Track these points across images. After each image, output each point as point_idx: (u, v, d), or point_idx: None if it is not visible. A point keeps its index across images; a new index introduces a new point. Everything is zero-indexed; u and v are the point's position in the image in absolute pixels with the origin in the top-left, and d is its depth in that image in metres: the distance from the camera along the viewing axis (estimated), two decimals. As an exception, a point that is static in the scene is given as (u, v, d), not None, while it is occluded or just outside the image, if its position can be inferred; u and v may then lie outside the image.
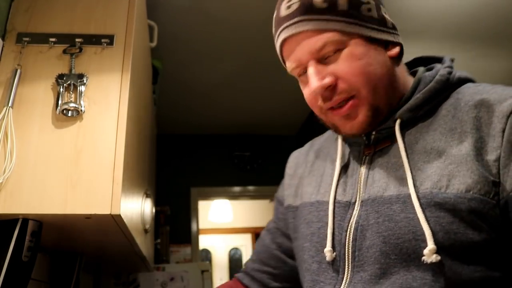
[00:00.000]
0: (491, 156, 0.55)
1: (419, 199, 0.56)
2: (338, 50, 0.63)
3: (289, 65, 0.69)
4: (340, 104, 0.64)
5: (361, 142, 0.69)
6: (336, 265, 0.64)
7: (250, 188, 3.51)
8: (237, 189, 3.49)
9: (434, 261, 0.53)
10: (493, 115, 0.57)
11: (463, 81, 0.66)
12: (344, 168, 0.71)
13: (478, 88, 0.63)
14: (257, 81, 2.81)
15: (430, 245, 0.54)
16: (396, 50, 0.67)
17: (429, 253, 0.54)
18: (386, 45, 0.66)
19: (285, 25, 0.66)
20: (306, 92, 0.68)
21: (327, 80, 0.63)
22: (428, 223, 0.55)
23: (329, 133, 0.83)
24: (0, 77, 1.00)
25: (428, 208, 0.56)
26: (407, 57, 0.73)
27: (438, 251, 0.54)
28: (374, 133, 0.67)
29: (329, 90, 0.64)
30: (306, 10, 0.63)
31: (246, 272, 0.89)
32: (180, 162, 3.42)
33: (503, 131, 0.55)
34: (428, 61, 0.73)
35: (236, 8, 2.06)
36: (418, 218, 0.55)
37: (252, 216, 5.40)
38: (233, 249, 5.38)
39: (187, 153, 3.48)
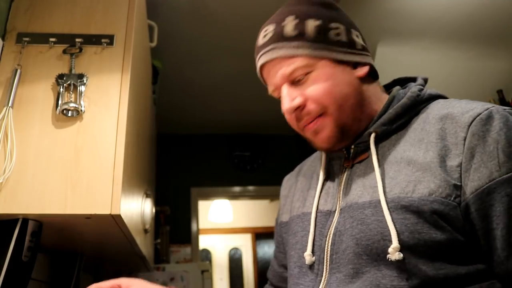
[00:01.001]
0: (453, 162, 0.60)
1: (387, 203, 0.61)
2: (308, 73, 0.69)
3: (269, 89, 0.76)
4: (310, 122, 0.71)
5: (341, 156, 0.75)
6: (315, 268, 0.69)
7: (250, 188, 3.51)
8: (237, 189, 3.49)
9: (397, 258, 0.58)
10: (456, 126, 0.62)
11: (434, 97, 0.72)
12: (327, 181, 0.77)
13: (446, 103, 0.68)
14: (258, 81, 2.80)
15: (394, 243, 0.58)
16: (364, 70, 0.72)
17: (393, 251, 0.58)
18: (355, 66, 0.72)
19: (261, 52, 0.74)
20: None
21: (296, 102, 0.70)
22: (394, 224, 0.59)
23: (316, 154, 0.90)
24: (0, 77, 1.00)
25: (395, 211, 0.60)
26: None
27: (402, 250, 0.58)
28: (352, 147, 0.73)
29: (299, 110, 0.71)
30: (278, 39, 0.71)
31: None
32: (180, 162, 3.42)
33: (465, 139, 0.60)
34: (405, 82, 0.79)
35: (236, 8, 2.06)
36: (386, 220, 0.60)
37: (252, 216, 5.40)
38: (233, 249, 5.38)
39: (187, 153, 3.48)
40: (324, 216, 0.72)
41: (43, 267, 1.22)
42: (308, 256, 0.70)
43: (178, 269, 2.37)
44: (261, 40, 0.74)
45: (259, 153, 3.57)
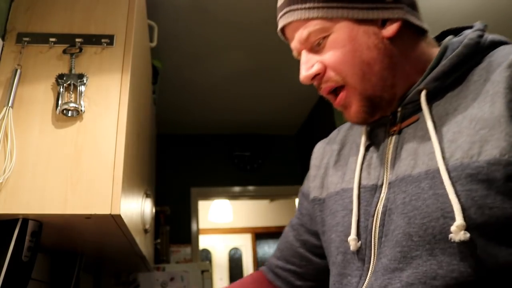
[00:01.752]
0: None
1: (449, 172, 0.50)
2: (326, 37, 0.62)
3: (293, 53, 0.68)
4: (334, 93, 0.64)
5: (386, 121, 0.65)
6: (361, 254, 0.60)
7: (250, 188, 3.51)
8: (237, 189, 3.49)
9: (462, 239, 0.47)
10: None
11: (497, 44, 0.60)
12: (370, 151, 0.67)
13: None
14: (257, 81, 2.81)
15: (459, 220, 0.47)
16: (393, 28, 0.61)
17: (457, 230, 0.47)
18: (383, 23, 0.62)
19: (279, 16, 0.67)
20: None
21: (313, 69, 0.63)
22: (458, 198, 0.49)
23: None
24: (0, 77, 1.00)
25: (459, 181, 0.50)
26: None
27: (469, 229, 0.47)
28: (399, 109, 0.63)
29: (317, 79, 0.63)
30: (291, 1, 0.64)
31: (270, 268, 0.86)
32: (180, 162, 3.42)
33: None
34: (458, 32, 0.66)
35: (236, 8, 2.06)
36: (447, 194, 0.50)
37: (252, 216, 5.40)
38: (233, 249, 5.38)
39: (187, 153, 3.48)
40: (369, 192, 0.61)
41: (43, 267, 1.22)
42: (353, 241, 0.60)
43: (178, 269, 2.37)
44: (279, 1, 0.67)
45: (259, 153, 3.57)
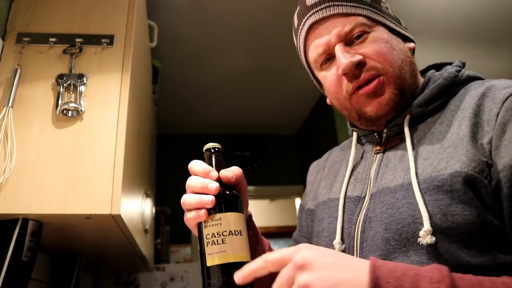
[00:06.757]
0: (484, 139, 0.56)
1: (419, 184, 0.58)
2: (365, 33, 0.67)
3: (315, 52, 0.70)
4: (368, 82, 0.66)
5: (373, 140, 0.72)
6: None
7: (250, 188, 3.50)
8: (237, 189, 3.49)
9: (429, 242, 0.54)
10: (492, 102, 0.58)
11: (472, 79, 0.68)
12: (357, 167, 0.73)
13: (485, 82, 0.65)
14: (257, 81, 2.81)
15: (426, 226, 0.54)
16: (412, 45, 0.72)
17: (425, 234, 0.54)
18: (404, 38, 0.71)
19: (313, 10, 0.69)
20: (332, 75, 0.69)
21: (357, 57, 0.65)
22: (426, 206, 0.56)
23: (346, 141, 0.87)
24: (0, 77, 1.00)
25: (427, 192, 0.57)
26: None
27: (435, 233, 0.54)
28: (385, 130, 0.69)
29: (358, 68, 0.66)
30: None
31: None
32: (180, 162, 3.41)
33: (497, 115, 0.56)
34: (440, 67, 0.75)
35: (236, 8, 2.06)
36: (417, 203, 0.56)
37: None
38: (233, 249, 5.37)
39: (187, 153, 3.46)
40: (353, 202, 0.68)
41: (43, 267, 1.22)
42: (337, 245, 0.66)
43: (178, 269, 2.37)
44: (310, 0, 0.70)
45: (259, 153, 3.57)
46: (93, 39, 1.07)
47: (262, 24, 2.14)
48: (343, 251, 0.65)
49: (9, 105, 0.94)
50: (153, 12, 1.99)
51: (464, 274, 0.47)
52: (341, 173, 0.77)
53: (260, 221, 5.33)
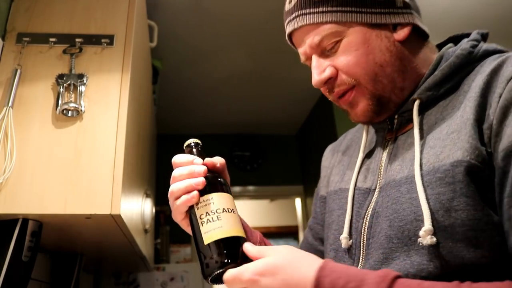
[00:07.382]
0: (485, 124, 0.51)
1: (422, 177, 0.53)
2: (338, 41, 0.62)
3: (302, 57, 0.69)
4: (343, 94, 0.65)
5: (384, 127, 0.68)
6: (352, 253, 0.62)
7: (250, 188, 3.51)
8: (237, 189, 3.49)
9: (429, 243, 0.50)
10: (498, 80, 0.52)
11: (490, 53, 0.61)
12: (369, 155, 0.69)
13: (502, 55, 0.57)
14: (257, 81, 2.81)
15: (427, 225, 0.50)
16: (404, 32, 0.63)
17: (424, 234, 0.50)
18: (395, 27, 0.63)
19: (287, 20, 0.67)
20: None
21: (326, 74, 0.63)
22: (428, 202, 0.51)
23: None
24: (0, 77, 1.00)
25: (430, 185, 0.52)
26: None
27: (437, 232, 0.50)
28: (396, 117, 0.65)
29: (330, 82, 0.64)
30: (302, 5, 0.64)
31: None
32: (180, 162, 3.41)
33: (500, 96, 0.50)
34: (462, 38, 0.67)
35: (236, 8, 2.06)
36: (419, 198, 0.52)
37: (252, 216, 5.40)
38: (233, 249, 5.37)
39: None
40: (363, 195, 0.64)
41: (43, 267, 1.22)
42: (344, 240, 0.63)
43: (178, 269, 2.37)
44: (287, 5, 0.67)
45: (259, 153, 3.57)
46: (93, 39, 1.07)
47: (262, 24, 2.14)
48: (350, 246, 0.63)
49: (9, 105, 0.94)
50: (153, 12, 1.99)
51: (410, 280, 0.47)
52: (354, 161, 0.73)
53: (260, 221, 5.34)
